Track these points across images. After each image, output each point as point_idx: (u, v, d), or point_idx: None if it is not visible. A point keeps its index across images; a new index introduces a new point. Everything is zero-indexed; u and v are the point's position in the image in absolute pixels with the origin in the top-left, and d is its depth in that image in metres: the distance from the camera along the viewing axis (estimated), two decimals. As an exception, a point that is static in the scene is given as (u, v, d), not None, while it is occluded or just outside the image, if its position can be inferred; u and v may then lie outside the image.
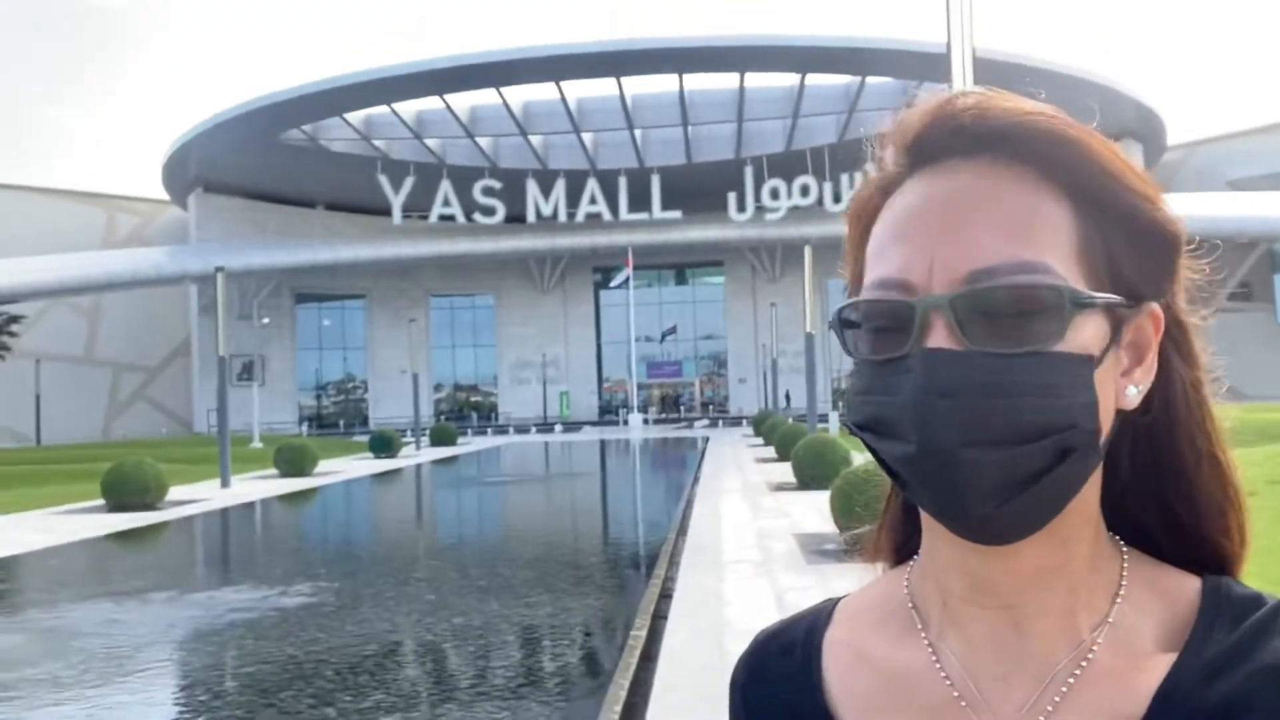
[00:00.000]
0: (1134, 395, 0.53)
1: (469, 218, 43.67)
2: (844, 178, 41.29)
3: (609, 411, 52.48)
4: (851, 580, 3.06)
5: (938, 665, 0.55)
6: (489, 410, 54.26)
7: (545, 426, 46.73)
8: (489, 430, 46.38)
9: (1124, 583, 0.54)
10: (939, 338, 0.50)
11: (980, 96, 0.53)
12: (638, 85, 39.93)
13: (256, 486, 18.62)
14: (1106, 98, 38.21)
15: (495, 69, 36.34)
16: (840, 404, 47.99)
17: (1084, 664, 0.52)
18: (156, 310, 54.44)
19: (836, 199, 41.91)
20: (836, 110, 41.62)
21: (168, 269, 45.01)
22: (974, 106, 0.52)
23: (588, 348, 54.66)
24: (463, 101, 40.40)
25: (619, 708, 4.39)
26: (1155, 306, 0.53)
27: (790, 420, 23.84)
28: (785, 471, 15.58)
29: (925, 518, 0.55)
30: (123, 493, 14.98)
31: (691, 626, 6.04)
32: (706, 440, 30.17)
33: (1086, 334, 0.50)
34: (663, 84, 39.67)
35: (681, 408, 54.00)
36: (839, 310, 0.55)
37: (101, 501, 15.35)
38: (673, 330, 54.47)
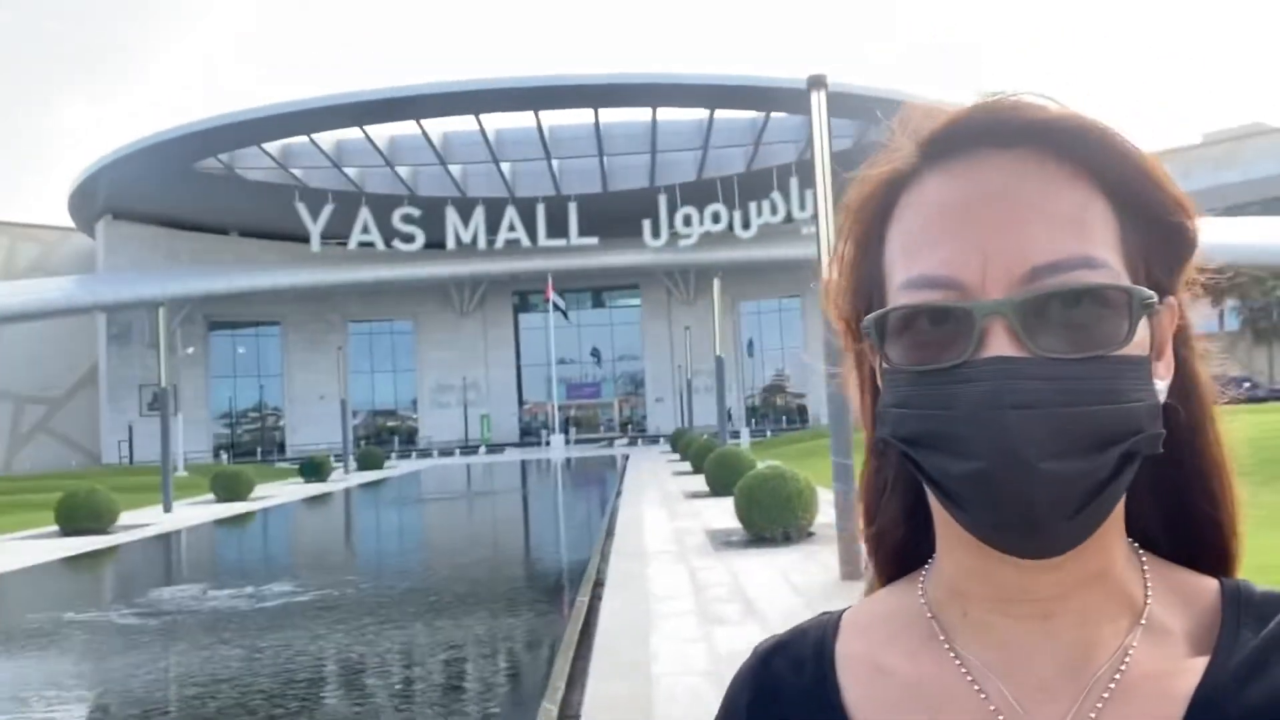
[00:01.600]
0: (1161, 389, 0.51)
1: (388, 244, 44.78)
2: (752, 206, 43.94)
3: (529, 433, 53.89)
4: (750, 563, 6.43)
5: (969, 678, 0.53)
6: (409, 435, 55.05)
7: (469, 449, 47.97)
8: (413, 454, 47.36)
9: (1148, 585, 0.54)
10: (1000, 344, 0.47)
11: (1010, 94, 0.51)
12: (554, 117, 41.83)
13: (197, 511, 19.69)
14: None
15: (415, 102, 37.78)
16: (752, 420, 50.53)
17: (1122, 669, 0.51)
18: (60, 340, 53.72)
19: (745, 225, 44.53)
20: (744, 143, 44.36)
21: (79, 299, 44.82)
22: (1006, 101, 0.51)
23: (508, 370, 56.00)
24: (382, 131, 41.65)
25: (573, 649, 6.18)
26: (1173, 300, 0.53)
27: (705, 436, 25.87)
28: (699, 482, 17.56)
29: (946, 530, 0.53)
30: (77, 519, 16.00)
31: (622, 595, 7.88)
32: (627, 458, 32.05)
33: (1141, 334, 0.49)
34: (579, 116, 41.68)
35: (600, 428, 55.74)
36: (874, 316, 0.52)
37: (54, 528, 16.33)
38: (596, 354, 56.49)
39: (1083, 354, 0.47)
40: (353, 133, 41.19)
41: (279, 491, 24.60)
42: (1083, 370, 0.47)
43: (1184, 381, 0.54)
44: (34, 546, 14.46)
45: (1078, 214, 0.49)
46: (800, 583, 7.86)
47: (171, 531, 16.45)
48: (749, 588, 7.81)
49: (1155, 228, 0.52)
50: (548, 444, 42.90)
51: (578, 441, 48.71)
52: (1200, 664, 0.51)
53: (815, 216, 9.13)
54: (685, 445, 25.09)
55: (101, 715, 5.56)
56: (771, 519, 9.97)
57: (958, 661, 0.54)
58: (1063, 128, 0.50)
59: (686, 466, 23.08)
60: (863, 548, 0.64)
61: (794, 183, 42.28)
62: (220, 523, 17.96)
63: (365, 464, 33.20)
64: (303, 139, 41.36)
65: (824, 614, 0.62)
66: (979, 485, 0.47)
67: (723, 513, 12.48)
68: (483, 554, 12.18)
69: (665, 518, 13.39)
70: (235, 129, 38.38)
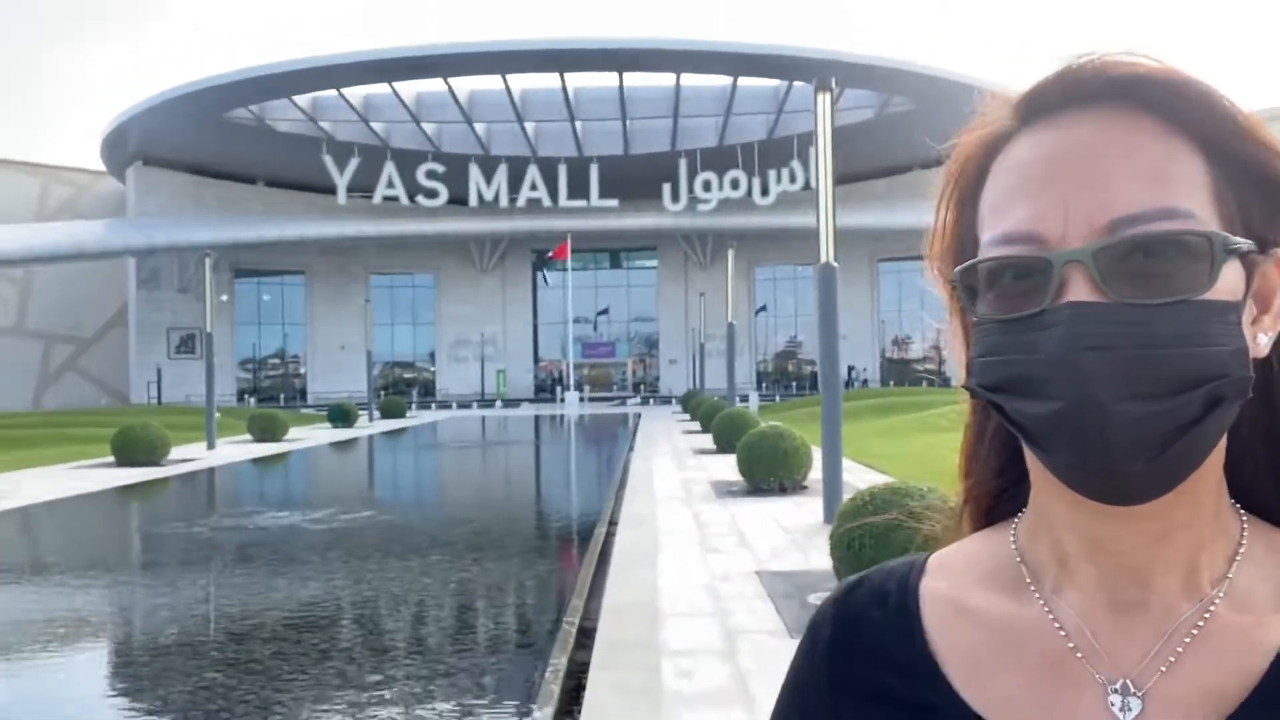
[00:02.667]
0: (1265, 343, 0.52)
1: (412, 199, 45.93)
2: (771, 173, 44.83)
3: (543, 390, 55.34)
4: (747, 508, 8.53)
5: (1052, 619, 0.55)
6: (426, 387, 56.60)
7: (486, 403, 49.49)
8: (431, 405, 48.88)
9: (1243, 544, 0.54)
10: (1080, 291, 0.48)
11: (1096, 54, 0.52)
12: (579, 80, 42.67)
13: (239, 449, 21.18)
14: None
15: (443, 61, 38.73)
16: (763, 385, 51.76)
17: (1205, 618, 0.52)
18: (89, 282, 55.29)
19: (764, 192, 45.43)
20: (766, 110, 45.10)
21: (111, 242, 46.25)
22: (1092, 61, 0.51)
23: (525, 327, 57.33)
24: (409, 88, 42.62)
25: (593, 567, 7.50)
26: None
27: (714, 398, 27.13)
28: (708, 440, 18.87)
29: (1039, 478, 0.55)
30: (133, 451, 17.33)
31: (635, 530, 9.19)
32: (639, 416, 33.43)
33: (1230, 281, 0.49)
34: (603, 79, 42.51)
35: (613, 386, 57.05)
36: (960, 270, 0.53)
37: (108, 459, 17.72)
38: (605, 312, 57.67)
39: (1162, 299, 0.48)
40: (380, 88, 42.19)
41: (309, 435, 26.13)
42: (1161, 315, 0.47)
43: None
44: (95, 474, 15.92)
45: (1162, 166, 0.49)
46: (789, 524, 9.15)
47: (220, 465, 17.92)
48: (744, 527, 9.11)
49: (1254, 181, 0.52)
50: (562, 400, 44.31)
51: (591, 399, 50.15)
52: None
53: (816, 202, 10.31)
54: (695, 406, 26.35)
55: (231, 606, 6.94)
56: (769, 471, 11.25)
57: (1044, 606, 0.56)
58: (1149, 83, 0.50)
59: (696, 426, 24.36)
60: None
61: (814, 151, 43.00)
62: (262, 460, 19.44)
63: (388, 413, 34.75)
64: (331, 93, 42.42)
65: (912, 556, 0.65)
66: (1057, 426, 0.49)
67: (727, 467, 13.77)
68: (511, 494, 13.59)
69: (674, 469, 14.70)
70: (266, 81, 39.46)
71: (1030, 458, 0.55)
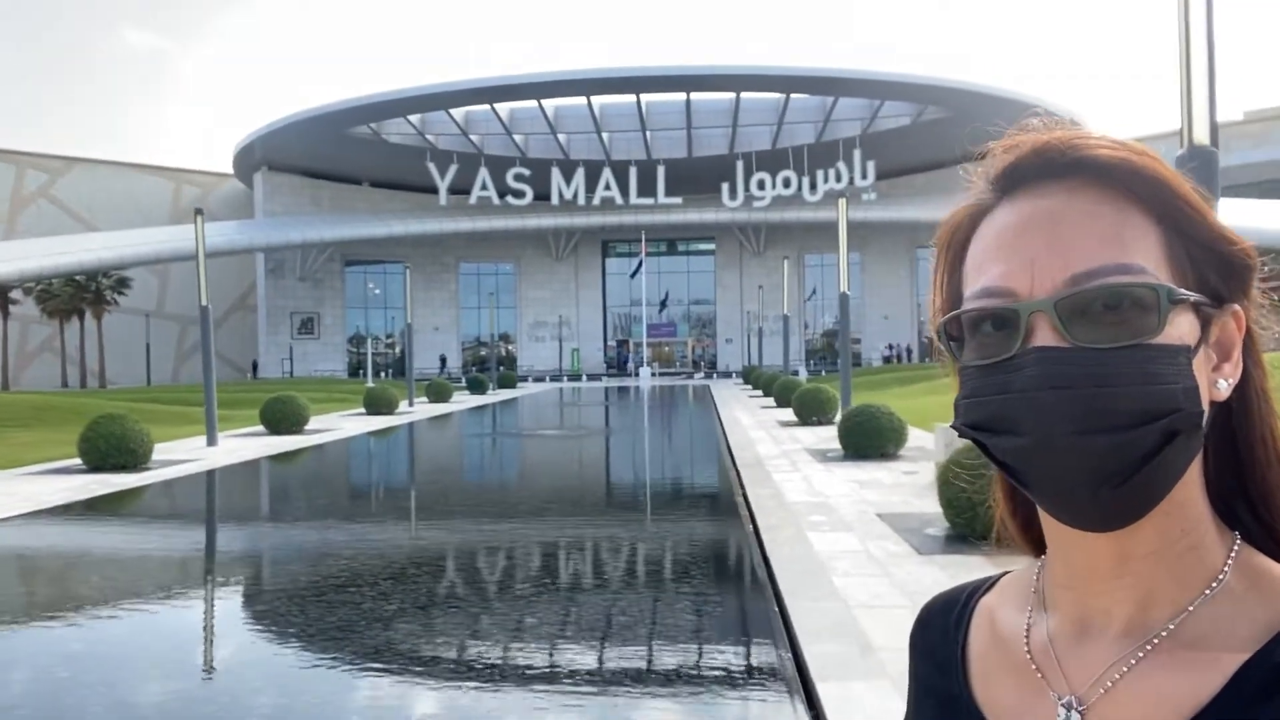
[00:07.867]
0: (1224, 388, 0.53)
1: (501, 198, 47.58)
2: (819, 173, 45.65)
3: (613, 366, 56.86)
4: (847, 473, 10.41)
5: (1026, 636, 0.58)
6: (509, 364, 58.46)
7: (574, 377, 51.21)
8: (518, 382, 50.88)
9: (1222, 577, 0.52)
10: (1045, 337, 0.50)
11: (1065, 131, 0.54)
12: (651, 95, 43.82)
13: (360, 422, 22.49)
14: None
15: (537, 87, 40.25)
16: (811, 361, 52.74)
17: (1146, 650, 0.52)
18: (216, 270, 57.94)
19: (813, 189, 46.28)
20: (814, 119, 45.87)
21: (239, 242, 48.53)
22: (1061, 139, 0.53)
23: (595, 310, 58.89)
24: (503, 105, 44.18)
25: (747, 513, 8.91)
26: (1237, 307, 0.53)
27: (772, 374, 28.32)
28: (783, 413, 20.08)
29: (1040, 509, 0.54)
30: (278, 422, 17.99)
31: (762, 489, 10.58)
32: (708, 389, 34.73)
33: (1182, 328, 0.50)
34: (672, 95, 43.60)
35: (675, 363, 58.35)
36: (943, 323, 0.55)
37: (260, 428, 18.20)
38: (665, 299, 59.02)
39: (1115, 344, 0.49)
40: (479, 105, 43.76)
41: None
42: (1115, 357, 0.48)
43: (1250, 388, 0.55)
44: (252, 443, 16.27)
45: (1117, 230, 0.51)
46: (889, 482, 10.48)
47: (356, 434, 18.69)
48: (845, 480, 10.46)
49: (1204, 247, 0.53)
50: (636, 374, 45.83)
51: (659, 374, 51.65)
52: (1239, 658, 0.50)
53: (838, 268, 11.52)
54: (768, 381, 27.40)
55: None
56: (869, 441, 12.28)
57: (1028, 624, 0.59)
58: (1105, 161, 0.52)
59: (766, 400, 25.48)
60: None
61: (857, 154, 43.74)
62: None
63: (502, 384, 36.71)
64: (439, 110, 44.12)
65: (996, 574, 0.67)
66: (1028, 459, 0.50)
67: (814, 436, 15.01)
68: (630, 442, 15.09)
69: (769, 439, 16.03)
70: (387, 105, 41.38)
71: None
